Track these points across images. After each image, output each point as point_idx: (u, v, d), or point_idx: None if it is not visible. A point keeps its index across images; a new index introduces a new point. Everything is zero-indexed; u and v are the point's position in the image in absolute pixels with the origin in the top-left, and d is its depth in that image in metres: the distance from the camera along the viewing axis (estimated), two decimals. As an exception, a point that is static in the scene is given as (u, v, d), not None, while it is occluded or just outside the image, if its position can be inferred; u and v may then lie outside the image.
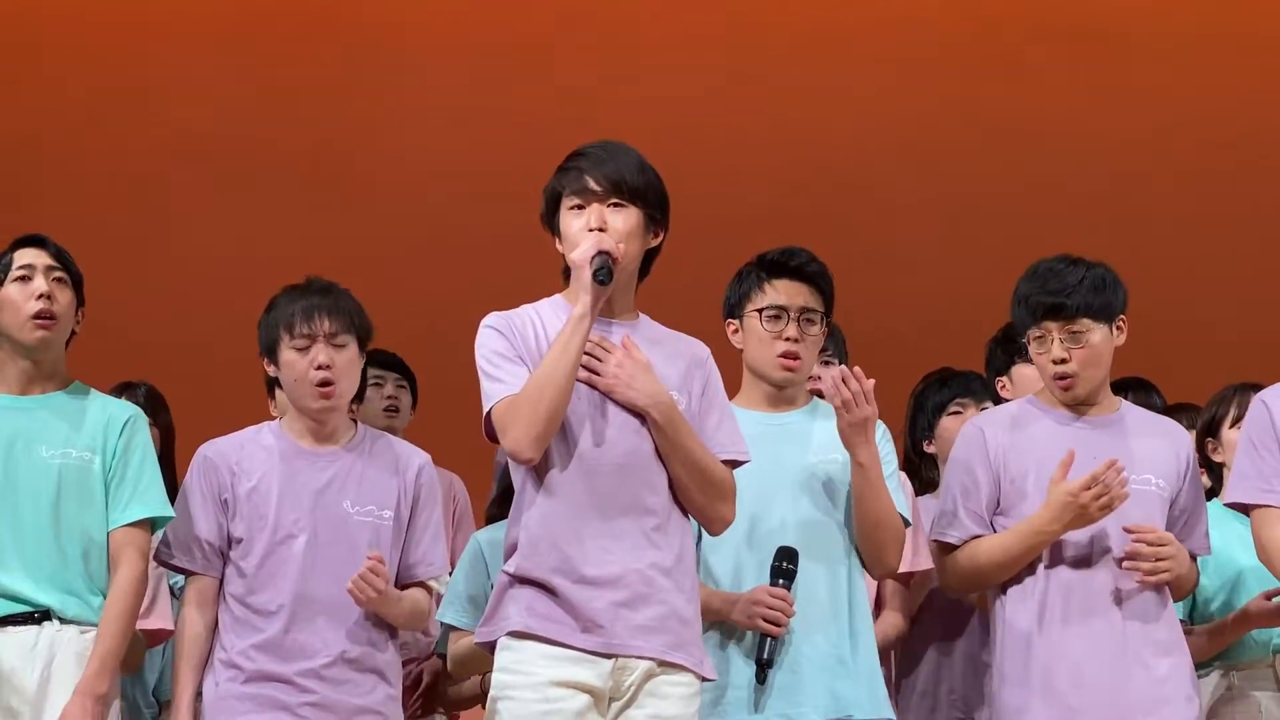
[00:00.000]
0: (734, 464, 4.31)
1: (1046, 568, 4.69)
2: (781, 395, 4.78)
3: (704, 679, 4.25)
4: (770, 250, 4.80)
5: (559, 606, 4.11)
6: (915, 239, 7.80)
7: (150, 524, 4.79)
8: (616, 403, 4.17)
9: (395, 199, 7.80)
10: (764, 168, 7.85)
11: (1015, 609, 4.69)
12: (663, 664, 4.14)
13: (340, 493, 4.76)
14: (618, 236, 4.16)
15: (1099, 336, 4.74)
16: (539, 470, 4.16)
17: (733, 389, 4.66)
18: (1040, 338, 4.75)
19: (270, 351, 4.83)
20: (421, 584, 4.85)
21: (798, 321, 4.70)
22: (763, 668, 4.56)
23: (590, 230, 4.16)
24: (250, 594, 4.71)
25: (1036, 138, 7.90)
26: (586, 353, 4.14)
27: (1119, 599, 4.66)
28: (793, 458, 4.70)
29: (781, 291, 4.72)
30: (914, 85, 7.92)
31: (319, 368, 4.73)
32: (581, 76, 7.86)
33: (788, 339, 4.69)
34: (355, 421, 4.92)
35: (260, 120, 7.85)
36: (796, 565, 4.59)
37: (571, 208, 4.22)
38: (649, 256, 4.29)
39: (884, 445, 4.76)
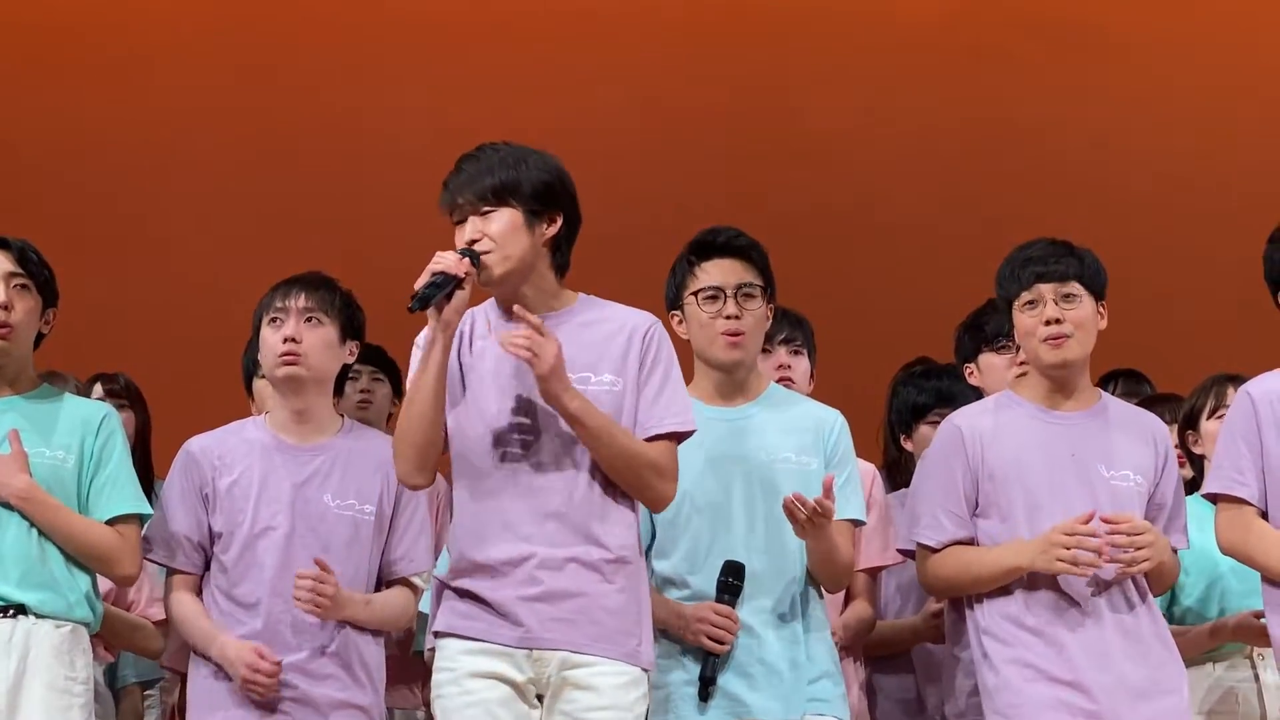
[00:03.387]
0: (676, 436, 4.27)
1: None
2: (733, 381, 4.72)
3: (644, 669, 4.24)
4: (697, 234, 4.77)
5: (478, 605, 4.16)
6: (896, 230, 7.81)
7: (138, 519, 4.78)
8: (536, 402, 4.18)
9: (382, 192, 7.78)
10: (745, 161, 7.85)
11: (994, 606, 4.66)
12: (581, 654, 4.15)
13: (321, 487, 4.77)
14: (490, 245, 4.16)
15: (1088, 307, 4.72)
16: (461, 475, 4.21)
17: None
18: (1032, 301, 4.70)
19: (257, 334, 4.85)
20: (405, 581, 4.86)
21: (735, 299, 4.65)
22: (705, 684, 4.55)
23: (466, 242, 4.17)
24: (231, 587, 4.74)
25: (1018, 129, 7.92)
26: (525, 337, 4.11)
27: (1100, 593, 4.63)
28: (746, 456, 4.67)
29: (713, 272, 4.68)
30: (897, 78, 7.94)
31: (286, 339, 4.75)
32: (564, 75, 7.86)
33: (728, 317, 4.64)
34: (341, 416, 4.93)
35: (246, 115, 7.83)
36: (743, 581, 4.58)
37: (455, 225, 4.24)
38: (562, 243, 4.26)
39: (843, 440, 4.74)
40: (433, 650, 5.39)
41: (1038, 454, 4.68)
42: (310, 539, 4.71)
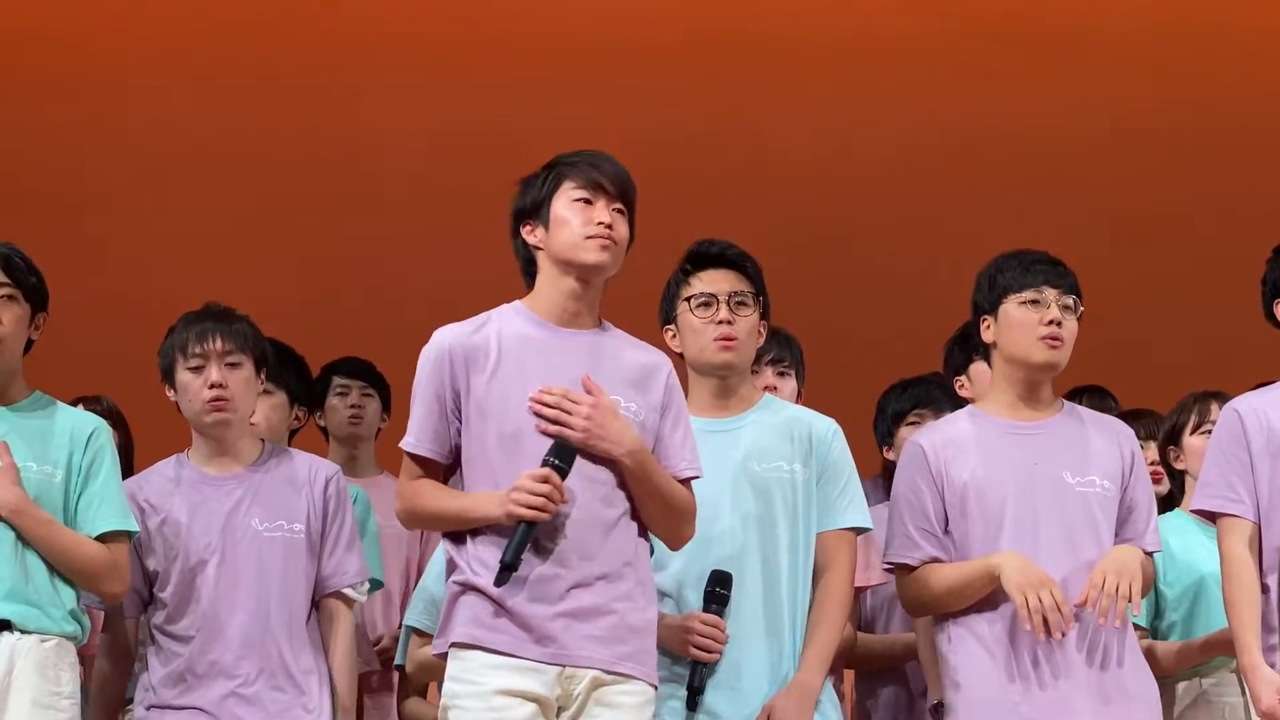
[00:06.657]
0: (690, 479, 4.36)
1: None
2: (726, 389, 4.71)
3: (655, 686, 4.28)
4: (691, 246, 4.81)
5: (505, 616, 4.16)
6: (880, 244, 7.83)
7: (125, 536, 4.78)
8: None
9: (371, 206, 7.81)
10: (731, 179, 7.87)
11: (969, 625, 4.66)
12: (611, 673, 4.18)
13: (249, 512, 4.84)
14: (620, 239, 4.28)
15: (1075, 324, 4.75)
16: (485, 489, 4.21)
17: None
18: (1036, 300, 4.71)
19: (168, 376, 4.89)
20: (339, 594, 4.91)
21: (728, 305, 4.67)
22: (693, 694, 4.54)
23: (598, 225, 4.23)
24: (169, 622, 4.80)
25: (997, 141, 7.94)
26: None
27: (1076, 614, 4.59)
28: (738, 465, 4.67)
29: (707, 280, 4.71)
30: (875, 95, 7.97)
31: (212, 385, 4.80)
32: (562, 87, 7.89)
33: (720, 322, 4.66)
34: (261, 440, 4.99)
35: (229, 128, 7.86)
36: (730, 590, 4.56)
37: (577, 200, 4.27)
38: None
39: (836, 448, 4.72)
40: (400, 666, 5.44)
41: (1001, 465, 4.69)
42: (244, 565, 4.79)
